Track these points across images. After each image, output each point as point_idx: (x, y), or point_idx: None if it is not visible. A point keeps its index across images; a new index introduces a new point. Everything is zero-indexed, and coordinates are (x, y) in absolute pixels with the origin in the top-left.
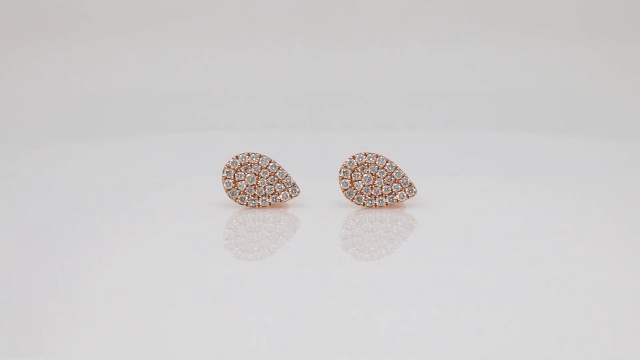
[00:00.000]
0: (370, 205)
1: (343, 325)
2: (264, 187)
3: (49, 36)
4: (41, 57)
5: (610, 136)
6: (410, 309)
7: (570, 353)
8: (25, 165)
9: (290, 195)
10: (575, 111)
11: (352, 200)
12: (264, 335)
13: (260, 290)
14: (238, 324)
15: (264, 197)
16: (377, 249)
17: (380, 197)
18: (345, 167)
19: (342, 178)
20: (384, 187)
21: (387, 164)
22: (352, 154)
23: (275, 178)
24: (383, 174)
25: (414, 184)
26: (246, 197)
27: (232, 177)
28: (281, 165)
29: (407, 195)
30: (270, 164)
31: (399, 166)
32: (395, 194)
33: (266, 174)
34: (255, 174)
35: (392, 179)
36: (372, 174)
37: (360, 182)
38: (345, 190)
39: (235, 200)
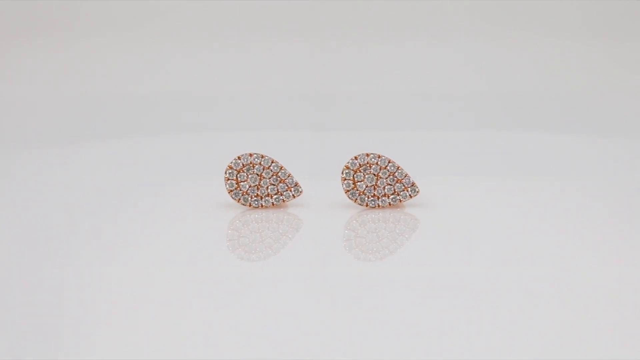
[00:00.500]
0: (373, 206)
1: (346, 326)
2: (267, 188)
3: (49, 36)
4: (41, 58)
5: (612, 136)
6: (414, 309)
7: (572, 353)
8: (26, 167)
9: (293, 195)
10: (576, 111)
11: (355, 201)
12: (269, 336)
13: (264, 290)
14: (242, 324)
15: (266, 198)
16: (380, 249)
17: (383, 198)
18: (348, 168)
19: (345, 179)
20: (386, 187)
21: (389, 164)
22: (354, 155)
23: (278, 178)
24: (385, 174)
25: (416, 183)
26: (249, 198)
27: (235, 178)
28: (283, 165)
29: (409, 195)
30: (273, 164)
31: (401, 166)
32: (398, 194)
33: (268, 174)
34: (257, 174)
35: (395, 179)
36: (374, 174)
37: (362, 182)
38: (348, 191)
39: (238, 201)
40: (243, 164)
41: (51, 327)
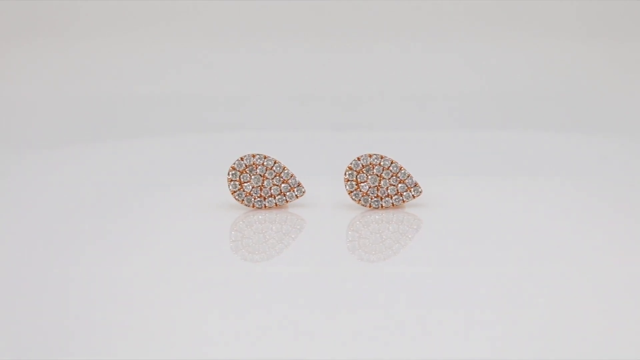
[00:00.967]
0: (377, 207)
1: (350, 326)
2: (270, 188)
3: (49, 36)
4: (41, 58)
5: (611, 135)
6: (418, 310)
7: (578, 352)
8: (27, 167)
9: (296, 196)
10: (576, 110)
11: (358, 202)
12: (272, 337)
13: (268, 291)
14: (245, 325)
15: (270, 198)
16: (384, 250)
17: (386, 198)
18: (351, 169)
19: (348, 180)
20: (389, 187)
21: (392, 164)
22: (357, 156)
23: (281, 179)
24: (388, 174)
25: (419, 183)
26: (252, 199)
27: (238, 179)
28: (286, 165)
29: (412, 195)
30: (275, 165)
31: (404, 166)
32: (401, 195)
33: (271, 174)
34: (260, 175)
35: (398, 179)
36: (377, 175)
37: (365, 183)
38: (352, 192)
39: (242, 202)
40: (246, 165)
41: (54, 328)
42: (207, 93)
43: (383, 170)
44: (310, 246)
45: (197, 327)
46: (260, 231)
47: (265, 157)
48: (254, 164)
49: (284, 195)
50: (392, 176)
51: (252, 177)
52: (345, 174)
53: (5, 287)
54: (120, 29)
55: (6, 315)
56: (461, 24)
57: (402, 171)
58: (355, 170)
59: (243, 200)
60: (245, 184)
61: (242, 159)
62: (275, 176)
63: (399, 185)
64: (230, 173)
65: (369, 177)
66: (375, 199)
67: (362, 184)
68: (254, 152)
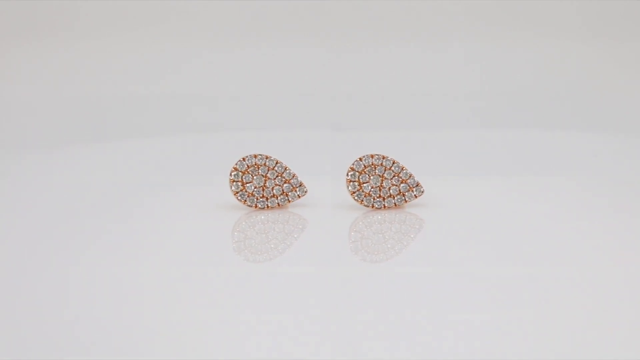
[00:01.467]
0: (379, 207)
1: (352, 326)
2: (272, 188)
3: (49, 36)
4: (41, 59)
5: (612, 135)
6: (421, 310)
7: (583, 352)
8: (27, 168)
9: (298, 195)
10: (577, 110)
11: (360, 203)
12: (275, 337)
13: (270, 291)
14: (248, 325)
15: (272, 198)
16: (386, 250)
17: (389, 198)
18: (353, 169)
19: (350, 181)
20: (391, 188)
21: (394, 164)
22: (359, 156)
23: (283, 179)
24: (390, 175)
25: (421, 183)
26: (255, 199)
27: (240, 179)
28: (287, 165)
29: (414, 195)
30: (277, 165)
31: (405, 166)
32: (404, 195)
33: (273, 174)
34: (262, 175)
35: (400, 179)
36: (379, 175)
37: (368, 184)
38: (354, 193)
39: (244, 203)
40: (248, 166)
41: (54, 328)
42: (207, 93)
43: (385, 171)
44: (313, 246)
45: (200, 328)
46: (262, 231)
47: (267, 157)
48: (256, 164)
49: (287, 195)
50: (394, 176)
51: (255, 177)
52: (347, 175)
53: (5, 287)
54: (119, 29)
55: (6, 315)
56: (461, 24)
57: (404, 171)
58: (358, 171)
59: (245, 200)
60: (247, 185)
61: (244, 159)
62: (277, 176)
63: (401, 185)
64: (233, 174)
65: (372, 177)
66: (378, 199)
67: (364, 185)
68: (256, 153)
